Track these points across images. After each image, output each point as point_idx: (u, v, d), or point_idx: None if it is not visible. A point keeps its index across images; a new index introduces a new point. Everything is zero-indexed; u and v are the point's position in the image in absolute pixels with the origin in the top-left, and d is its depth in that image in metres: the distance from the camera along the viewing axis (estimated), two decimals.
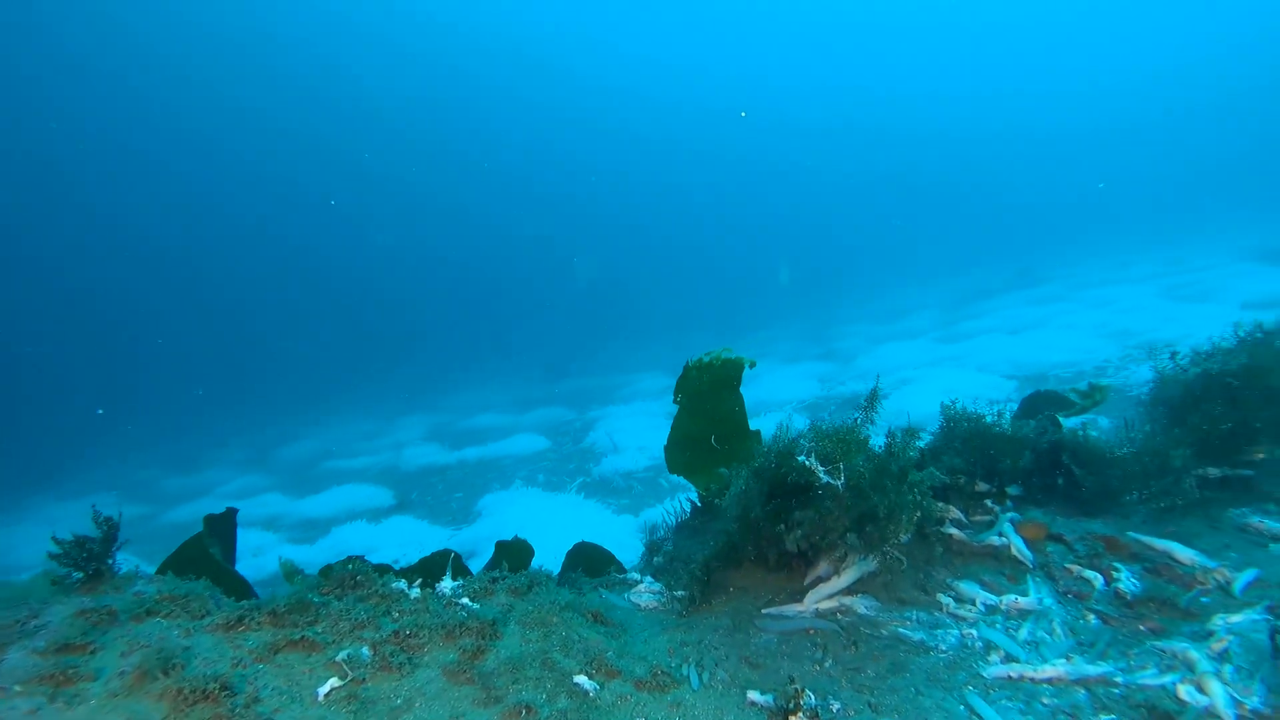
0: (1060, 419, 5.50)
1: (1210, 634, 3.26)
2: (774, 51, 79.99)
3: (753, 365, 4.58)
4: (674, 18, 73.68)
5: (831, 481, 3.54)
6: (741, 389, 4.51)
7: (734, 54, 79.36)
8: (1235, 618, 3.30)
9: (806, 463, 3.57)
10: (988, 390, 12.61)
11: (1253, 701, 2.81)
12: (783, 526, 3.67)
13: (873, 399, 3.87)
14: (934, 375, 14.82)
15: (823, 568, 3.92)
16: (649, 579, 4.34)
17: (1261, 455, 4.48)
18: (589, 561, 4.82)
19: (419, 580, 3.78)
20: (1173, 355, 5.05)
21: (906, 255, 57.48)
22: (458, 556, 4.25)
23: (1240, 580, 3.57)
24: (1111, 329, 16.59)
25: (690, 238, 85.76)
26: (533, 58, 71.97)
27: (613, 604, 4.06)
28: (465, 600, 3.70)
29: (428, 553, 4.61)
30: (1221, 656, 3.09)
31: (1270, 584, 3.57)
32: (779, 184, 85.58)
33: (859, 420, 3.90)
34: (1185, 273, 24.31)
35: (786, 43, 79.44)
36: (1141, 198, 56.59)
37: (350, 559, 3.78)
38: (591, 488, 13.43)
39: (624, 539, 9.18)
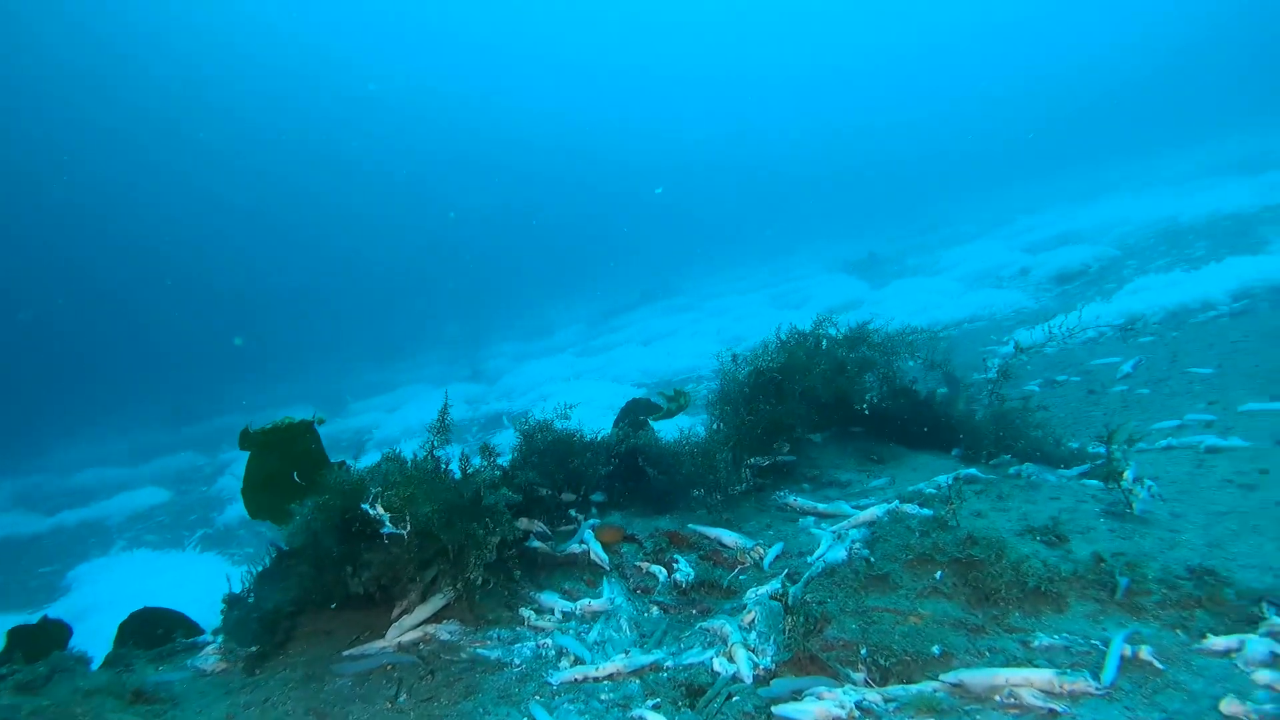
0: (652, 423, 5.98)
1: (744, 607, 3.68)
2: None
3: (321, 422, 4.39)
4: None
5: (396, 531, 3.45)
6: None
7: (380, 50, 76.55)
8: (763, 589, 3.77)
9: (371, 513, 3.43)
10: (619, 400, 13.43)
11: (765, 661, 3.21)
12: (350, 569, 3.50)
13: (442, 423, 3.83)
14: (571, 389, 15.49)
15: (406, 600, 3.81)
16: (220, 639, 3.91)
17: (788, 447, 5.22)
18: (149, 628, 4.22)
19: None
20: (734, 357, 5.71)
21: (554, 273, 59.95)
22: None
23: (769, 555, 4.11)
24: (728, 335, 18.71)
25: (348, 260, 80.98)
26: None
27: (165, 678, 3.58)
28: None
29: None
30: (750, 626, 3.50)
31: (792, 554, 4.15)
32: (429, 202, 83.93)
33: (434, 444, 3.85)
34: (788, 282, 28.41)
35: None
36: (753, 214, 64.97)
37: None
38: (213, 539, 12.03)
39: None
